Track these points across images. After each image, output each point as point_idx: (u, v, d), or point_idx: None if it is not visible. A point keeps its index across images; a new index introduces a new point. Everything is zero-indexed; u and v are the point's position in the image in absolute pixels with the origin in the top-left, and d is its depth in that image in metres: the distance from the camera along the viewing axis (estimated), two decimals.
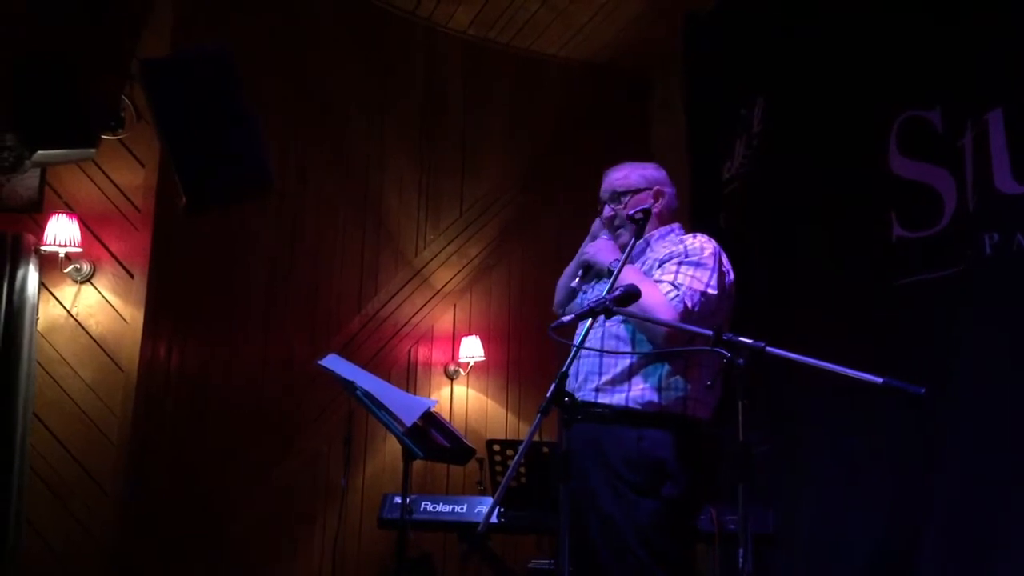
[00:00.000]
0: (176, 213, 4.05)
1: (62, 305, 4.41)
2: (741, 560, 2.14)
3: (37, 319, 4.27)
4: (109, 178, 4.53)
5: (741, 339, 2.20)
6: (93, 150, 3.89)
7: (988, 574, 3.55)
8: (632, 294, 2.50)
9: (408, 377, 5.53)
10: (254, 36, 5.03)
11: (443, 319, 5.68)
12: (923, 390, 1.99)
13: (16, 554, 4.04)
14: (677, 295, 2.64)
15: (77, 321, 4.41)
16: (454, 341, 5.64)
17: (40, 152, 3.73)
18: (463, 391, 5.64)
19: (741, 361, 2.17)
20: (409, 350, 5.58)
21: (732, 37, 5.40)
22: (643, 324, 2.65)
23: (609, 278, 2.75)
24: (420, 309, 5.61)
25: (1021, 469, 3.54)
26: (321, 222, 5.38)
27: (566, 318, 2.52)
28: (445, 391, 5.60)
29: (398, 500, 3.76)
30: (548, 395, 2.40)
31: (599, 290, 2.85)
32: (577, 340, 2.60)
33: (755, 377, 2.20)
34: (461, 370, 5.62)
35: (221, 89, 3.36)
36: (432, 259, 5.67)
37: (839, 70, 4.58)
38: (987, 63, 3.91)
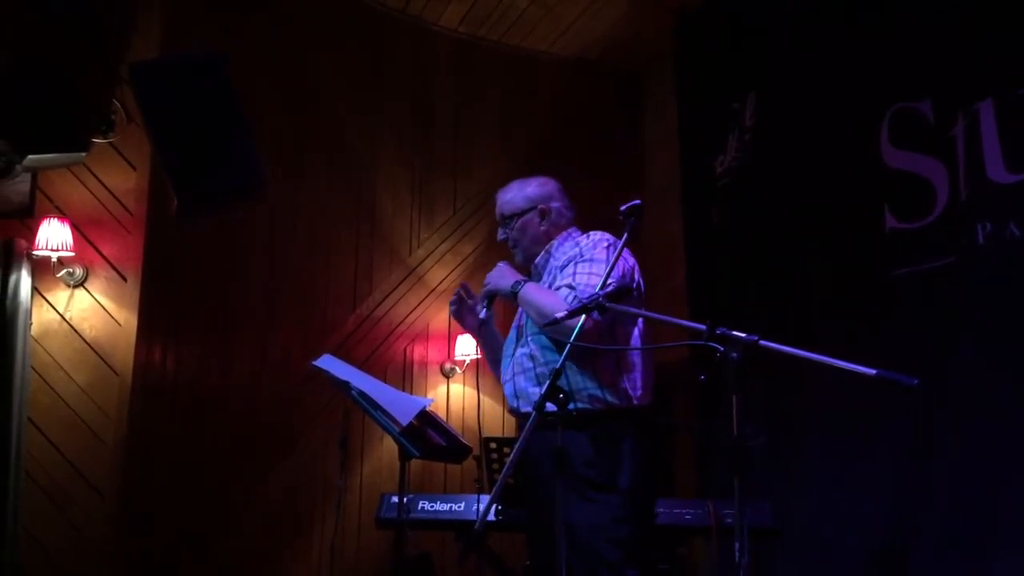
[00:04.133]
0: (168, 216, 4.04)
1: (55, 310, 4.39)
2: (737, 554, 2.13)
3: (31, 324, 4.26)
4: (100, 181, 4.52)
5: (734, 333, 2.19)
6: (84, 154, 3.88)
7: (986, 565, 3.56)
8: (624, 289, 2.50)
9: (404, 376, 5.52)
10: (244, 38, 5.01)
11: (438, 317, 5.67)
12: (916, 382, 1.98)
13: (13, 560, 4.03)
14: (574, 295, 2.72)
15: (71, 325, 4.40)
16: (449, 339, 5.64)
17: (31, 156, 3.71)
18: (459, 389, 5.64)
19: (734, 355, 2.16)
20: (405, 349, 5.57)
21: (723, 32, 5.40)
22: (555, 331, 2.68)
23: (515, 300, 2.89)
24: (415, 308, 5.60)
25: (1018, 458, 3.55)
26: (315, 222, 5.37)
27: (559, 314, 2.53)
28: (441, 389, 5.60)
29: (395, 500, 3.75)
30: (542, 392, 2.42)
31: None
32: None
33: (750, 370, 2.20)
34: (457, 368, 5.61)
35: (212, 92, 3.35)
36: (426, 257, 5.67)
37: (830, 62, 4.59)
38: (977, 53, 3.91)
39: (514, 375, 2.92)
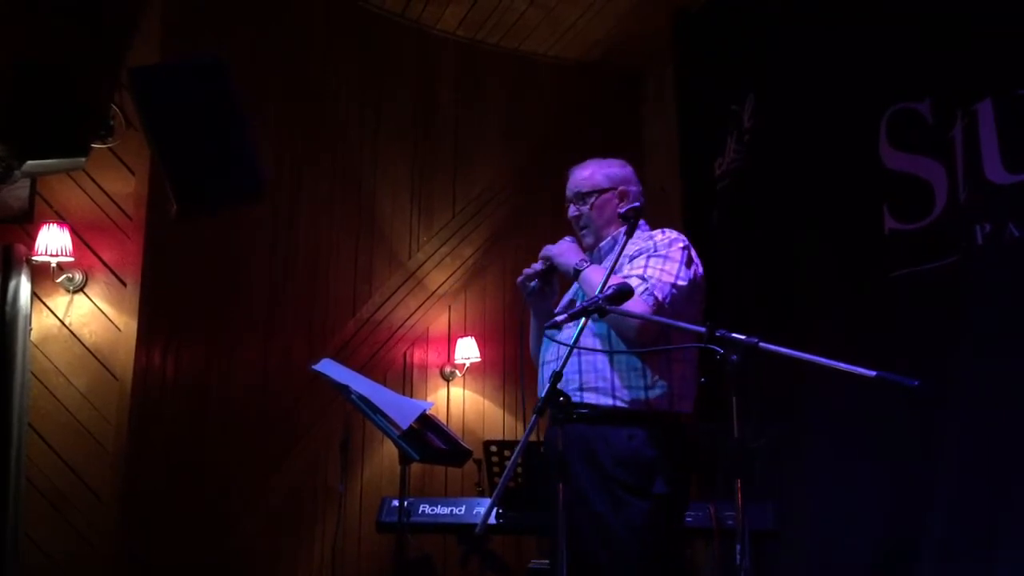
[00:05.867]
0: (168, 220, 4.04)
1: (55, 315, 4.39)
2: (739, 556, 2.13)
3: (30, 329, 4.26)
4: (100, 187, 4.52)
5: (734, 335, 2.19)
6: (83, 159, 3.87)
7: (989, 565, 3.56)
8: (625, 292, 2.48)
9: (404, 380, 5.52)
10: (244, 42, 5.02)
11: (438, 321, 5.68)
12: (917, 383, 1.98)
13: (15, 566, 4.02)
14: (647, 288, 2.63)
15: (70, 331, 4.40)
16: (449, 343, 5.64)
17: (30, 162, 3.71)
18: (459, 392, 5.64)
19: (734, 357, 2.15)
20: (405, 353, 5.58)
21: (723, 33, 5.41)
22: (618, 323, 2.62)
23: (576, 279, 2.79)
24: (415, 311, 5.60)
25: (1019, 459, 3.55)
26: (315, 226, 5.37)
27: (559, 318, 2.51)
28: (441, 393, 5.60)
29: (396, 503, 3.75)
30: (543, 395, 2.41)
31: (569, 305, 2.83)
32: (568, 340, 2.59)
33: (751, 372, 2.19)
34: (457, 371, 5.61)
35: (212, 94, 3.34)
36: (426, 261, 5.67)
37: (829, 64, 4.59)
38: (975, 54, 3.91)
39: (557, 358, 2.82)
